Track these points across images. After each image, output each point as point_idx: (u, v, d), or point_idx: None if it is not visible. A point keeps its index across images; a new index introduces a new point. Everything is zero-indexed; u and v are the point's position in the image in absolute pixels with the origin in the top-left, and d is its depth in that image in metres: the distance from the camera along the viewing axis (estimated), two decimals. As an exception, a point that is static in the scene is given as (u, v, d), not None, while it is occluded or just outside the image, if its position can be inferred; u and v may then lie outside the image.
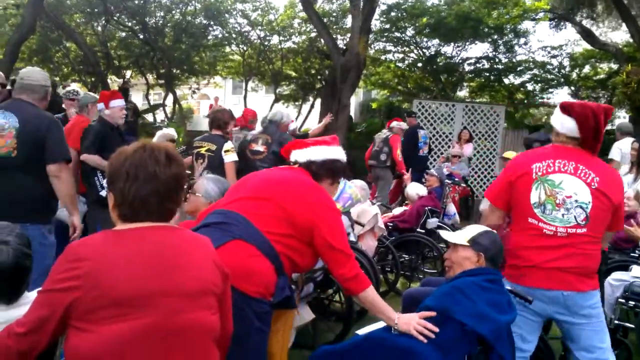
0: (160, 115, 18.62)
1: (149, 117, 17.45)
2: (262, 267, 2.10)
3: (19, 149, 3.13)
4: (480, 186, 12.14)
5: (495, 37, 15.00)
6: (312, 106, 17.61)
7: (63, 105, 5.62)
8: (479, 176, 12.33)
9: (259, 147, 5.07)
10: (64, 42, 15.47)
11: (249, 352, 2.08)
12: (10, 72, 10.73)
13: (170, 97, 18.09)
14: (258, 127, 6.07)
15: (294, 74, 17.53)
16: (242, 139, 5.61)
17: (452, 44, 15.47)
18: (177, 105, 18.05)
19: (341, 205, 4.01)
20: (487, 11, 13.80)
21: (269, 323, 2.17)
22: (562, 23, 15.69)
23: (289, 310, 2.39)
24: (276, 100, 17.46)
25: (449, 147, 12.47)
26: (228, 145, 4.68)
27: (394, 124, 8.34)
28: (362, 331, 2.47)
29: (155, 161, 1.57)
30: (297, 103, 18.55)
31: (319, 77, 17.37)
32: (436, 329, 2.11)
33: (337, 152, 2.52)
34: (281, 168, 2.57)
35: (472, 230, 2.48)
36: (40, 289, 1.54)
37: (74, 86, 7.23)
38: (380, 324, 2.54)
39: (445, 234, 2.62)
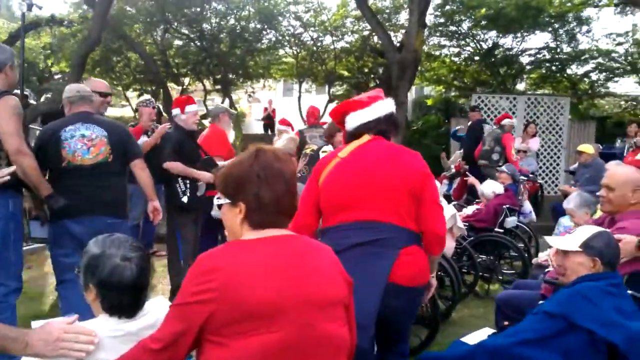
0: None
1: (206, 123, 17.80)
2: (424, 258, 2.28)
3: (113, 154, 3.47)
4: (546, 182, 11.71)
5: (557, 26, 14.44)
6: (366, 105, 17.50)
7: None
8: (543, 171, 11.92)
9: None
10: (124, 52, 15.98)
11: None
12: (79, 83, 11.20)
13: (226, 102, 18.38)
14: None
15: (347, 73, 17.48)
16: (316, 136, 6.16)
17: (511, 35, 14.99)
18: (233, 110, 18.35)
19: None
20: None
21: None
22: (627, 8, 14.91)
23: None
24: (330, 101, 17.45)
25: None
26: (326, 148, 4.99)
27: (506, 121, 8.02)
28: (467, 339, 2.39)
29: (277, 160, 1.58)
30: (351, 102, 18.47)
31: (372, 75, 17.25)
32: None
33: (390, 104, 2.46)
34: (362, 147, 2.34)
35: (584, 233, 2.33)
36: (171, 303, 1.55)
37: (148, 96, 7.42)
38: (485, 332, 2.45)
39: (552, 240, 2.48)
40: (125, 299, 1.74)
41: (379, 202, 2.19)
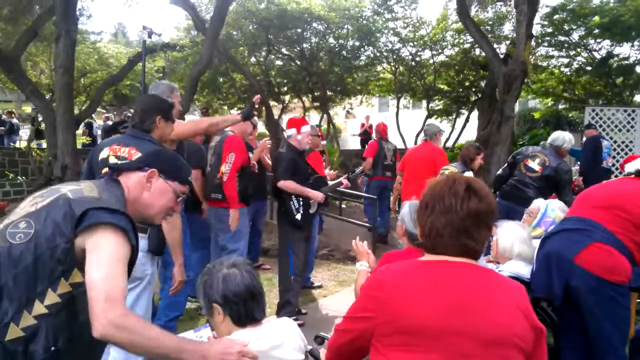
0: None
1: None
2: (620, 262, 2.63)
3: None
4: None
5: (682, 31, 13.22)
6: (467, 120, 17.01)
7: None
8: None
9: (535, 165, 5.34)
10: (230, 73, 16.79)
11: (617, 325, 2.71)
12: (190, 104, 11.92)
13: (324, 118, 18.72)
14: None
15: (446, 87, 17.13)
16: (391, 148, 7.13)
17: (628, 43, 13.94)
18: (331, 126, 18.61)
19: (543, 230, 3.76)
20: (672, 4, 12.23)
21: (628, 300, 2.76)
22: None
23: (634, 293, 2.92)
24: (429, 116, 17.17)
25: (630, 157, 11.20)
26: (467, 174, 5.02)
27: None
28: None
29: (453, 194, 1.55)
30: (450, 117, 18.06)
31: (473, 89, 16.76)
32: None
33: None
34: (621, 180, 3.11)
35: None
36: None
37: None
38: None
39: None
40: (248, 302, 1.81)
41: (606, 212, 2.73)
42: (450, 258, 1.55)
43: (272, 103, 17.70)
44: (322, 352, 2.32)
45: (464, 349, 1.41)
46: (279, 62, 17.71)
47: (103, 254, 1.58)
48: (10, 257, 1.60)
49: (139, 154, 2.70)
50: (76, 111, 13.31)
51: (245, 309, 1.81)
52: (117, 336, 1.49)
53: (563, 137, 5.39)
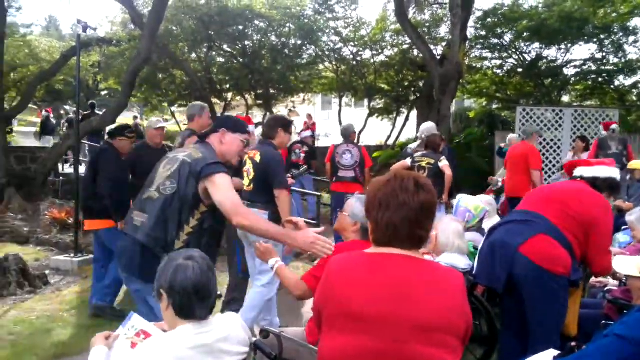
0: (258, 131, 19.27)
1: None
2: (561, 254, 2.74)
3: None
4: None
5: (602, 37, 14.14)
6: (406, 119, 17.46)
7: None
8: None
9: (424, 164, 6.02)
10: (170, 69, 16.44)
11: (554, 315, 2.82)
12: (128, 100, 11.60)
13: (266, 116, 18.66)
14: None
15: (386, 87, 17.51)
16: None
17: (555, 46, 14.75)
18: (273, 124, 18.58)
19: (462, 220, 3.95)
20: (592, 10, 13.05)
21: (567, 292, 2.82)
22: (677, 16, 14.47)
23: (576, 289, 2.93)
24: (370, 114, 17.50)
25: (558, 154, 11.88)
26: (443, 159, 5.90)
27: (614, 126, 8.17)
28: None
29: (404, 190, 1.66)
30: (390, 116, 18.47)
31: (412, 89, 17.22)
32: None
33: (614, 172, 3.10)
34: (568, 181, 3.28)
35: None
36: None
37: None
38: (550, 353, 2.41)
39: (616, 263, 2.44)
40: (192, 298, 1.82)
41: (551, 206, 2.90)
42: (396, 250, 1.67)
43: (214, 100, 17.47)
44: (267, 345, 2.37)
45: (400, 335, 1.54)
46: (220, 59, 17.51)
47: (220, 186, 2.57)
48: (166, 202, 2.61)
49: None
50: (6, 106, 12.68)
51: (188, 303, 1.82)
52: (245, 223, 2.56)
53: (431, 128, 6.39)
